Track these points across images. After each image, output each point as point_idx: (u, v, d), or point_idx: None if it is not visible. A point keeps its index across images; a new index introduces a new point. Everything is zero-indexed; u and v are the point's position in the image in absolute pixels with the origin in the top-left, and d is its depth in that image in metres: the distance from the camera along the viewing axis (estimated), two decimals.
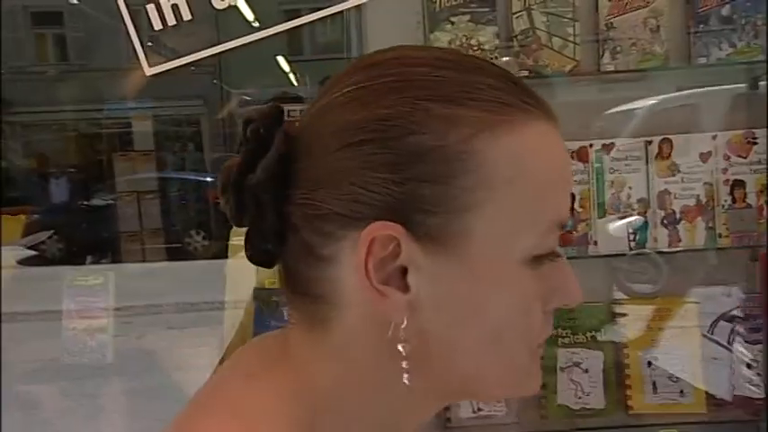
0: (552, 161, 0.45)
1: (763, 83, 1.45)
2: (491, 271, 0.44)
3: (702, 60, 1.40)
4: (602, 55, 1.42)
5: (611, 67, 1.42)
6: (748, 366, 1.42)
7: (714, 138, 1.42)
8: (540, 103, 0.45)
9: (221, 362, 1.59)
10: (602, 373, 1.46)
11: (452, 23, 1.41)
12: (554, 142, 0.46)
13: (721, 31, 1.39)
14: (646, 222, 1.44)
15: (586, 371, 1.46)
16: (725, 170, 1.41)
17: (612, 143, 1.43)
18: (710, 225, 1.43)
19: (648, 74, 1.44)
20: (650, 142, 1.43)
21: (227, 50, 1.25)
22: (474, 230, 0.43)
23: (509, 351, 0.45)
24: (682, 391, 1.44)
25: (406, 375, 0.43)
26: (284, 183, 0.44)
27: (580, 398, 1.45)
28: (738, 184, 1.41)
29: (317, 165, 0.44)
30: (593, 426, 1.45)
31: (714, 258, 1.47)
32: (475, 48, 1.41)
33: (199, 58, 1.14)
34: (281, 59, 8.25)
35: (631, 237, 1.45)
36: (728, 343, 1.45)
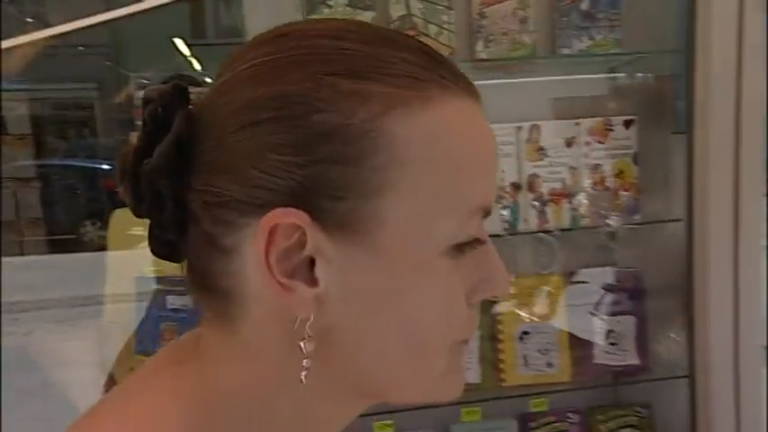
0: (472, 139, 0.42)
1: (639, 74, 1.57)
2: (407, 260, 0.40)
3: (566, 51, 1.49)
4: (476, 43, 1.48)
5: (485, 55, 1.48)
6: (606, 336, 1.54)
7: (577, 124, 1.52)
8: (460, 79, 0.42)
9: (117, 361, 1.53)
10: (477, 349, 1.53)
11: (330, 7, 1.41)
12: (475, 120, 0.42)
13: (582, 24, 1.48)
14: (517, 204, 1.52)
15: None
16: (586, 155, 1.51)
17: None
18: (574, 206, 1.53)
19: (520, 62, 1.51)
20: (520, 128, 1.51)
21: (89, 27, 1.19)
22: (387, 215, 0.39)
23: (427, 350, 0.41)
24: (549, 363, 1.54)
25: (304, 374, 0.40)
26: (183, 168, 0.40)
27: None
28: (597, 168, 1.52)
29: (216, 147, 0.40)
30: (470, 399, 1.52)
31: (579, 238, 1.57)
32: None
33: (48, 35, 1.07)
34: (180, 43, 7.93)
35: (504, 218, 1.52)
36: (594, 316, 1.57)
